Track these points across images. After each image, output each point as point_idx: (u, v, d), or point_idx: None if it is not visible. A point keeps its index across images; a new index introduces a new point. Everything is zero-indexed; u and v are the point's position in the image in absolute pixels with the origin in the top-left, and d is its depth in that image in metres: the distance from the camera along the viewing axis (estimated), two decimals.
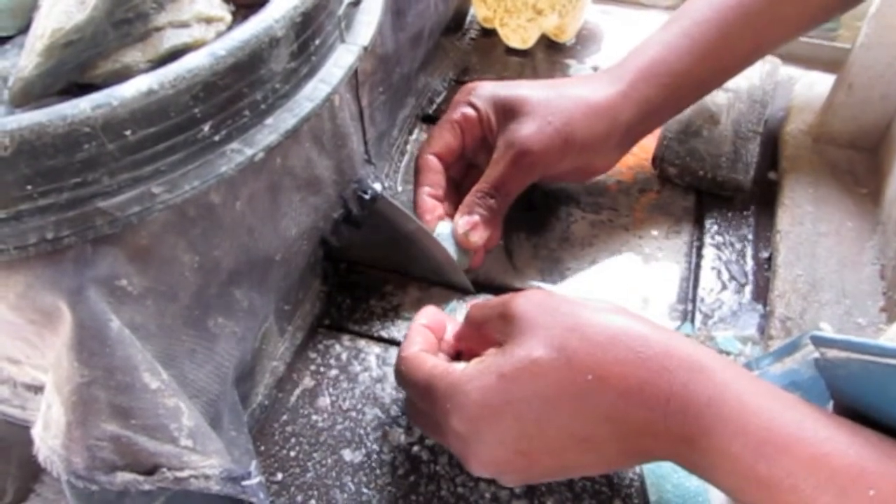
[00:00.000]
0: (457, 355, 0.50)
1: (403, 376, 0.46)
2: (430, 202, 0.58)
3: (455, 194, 0.61)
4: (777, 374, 0.42)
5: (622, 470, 0.50)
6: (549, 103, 0.56)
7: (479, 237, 0.56)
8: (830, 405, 0.39)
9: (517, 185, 0.57)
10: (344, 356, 0.56)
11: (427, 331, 0.49)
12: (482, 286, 0.60)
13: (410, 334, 0.49)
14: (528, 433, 0.40)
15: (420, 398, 0.45)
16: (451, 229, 0.57)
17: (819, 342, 0.36)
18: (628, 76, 0.58)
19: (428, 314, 0.50)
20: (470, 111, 0.59)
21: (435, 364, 0.44)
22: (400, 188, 0.68)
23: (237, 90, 0.35)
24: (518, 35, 0.79)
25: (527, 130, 0.56)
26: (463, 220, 0.56)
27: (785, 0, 0.59)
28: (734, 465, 0.36)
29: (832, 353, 0.36)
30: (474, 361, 0.42)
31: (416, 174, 0.60)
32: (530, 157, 0.56)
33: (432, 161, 0.59)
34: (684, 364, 0.38)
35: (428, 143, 0.60)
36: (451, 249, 0.57)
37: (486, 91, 0.59)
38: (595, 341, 0.39)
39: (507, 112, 0.57)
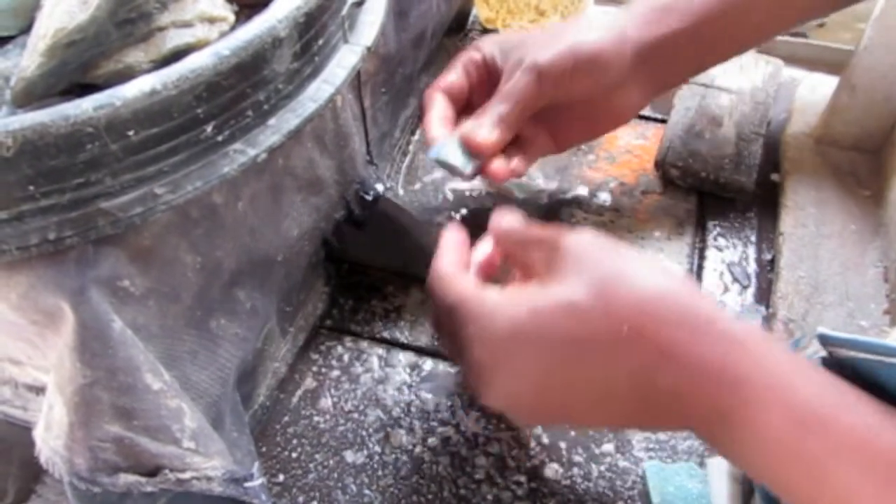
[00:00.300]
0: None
1: (435, 292, 0.44)
2: (439, 125, 0.56)
3: None
4: None
5: (630, 430, 0.48)
6: (552, 31, 0.56)
7: (485, 134, 0.53)
8: None
9: (528, 97, 0.54)
10: (346, 357, 0.56)
11: (460, 243, 0.47)
12: None
13: (445, 245, 0.47)
14: (549, 373, 0.38)
15: (448, 317, 0.43)
16: (456, 142, 0.54)
17: (826, 341, 0.36)
18: (633, 6, 0.57)
19: (456, 231, 0.48)
20: (474, 53, 0.58)
21: (468, 285, 0.42)
22: (402, 189, 0.68)
23: (240, 90, 0.35)
24: None
25: (534, 48, 0.54)
26: (470, 122, 0.54)
27: None
28: (771, 440, 0.34)
29: (839, 353, 0.36)
30: (509, 290, 0.41)
31: (423, 109, 0.57)
32: (538, 67, 0.53)
33: (438, 95, 0.57)
34: (727, 335, 0.36)
35: (432, 83, 0.58)
36: (459, 159, 0.54)
37: (489, 39, 0.58)
38: (639, 294, 0.37)
39: (513, 48, 0.56)
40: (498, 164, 0.55)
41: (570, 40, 0.54)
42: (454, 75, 0.57)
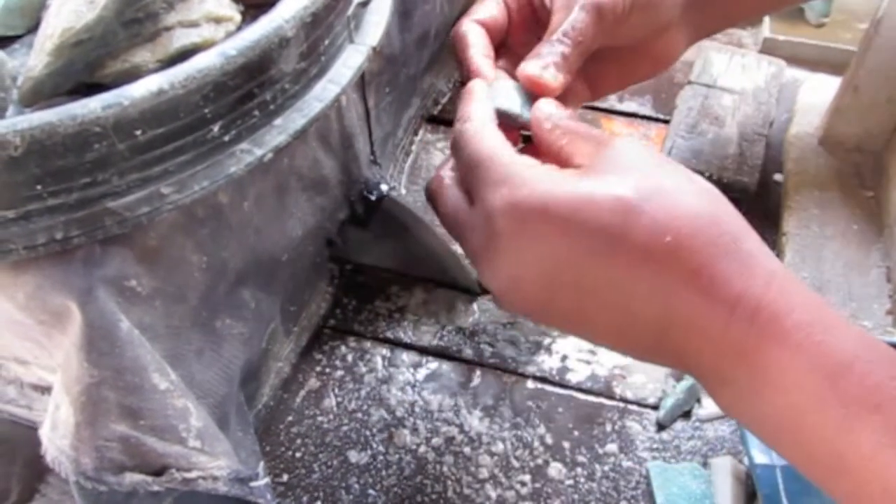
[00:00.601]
0: None
1: (462, 142, 0.39)
2: (485, 61, 0.47)
3: None
4: None
5: (636, 358, 0.45)
6: None
7: (551, 76, 0.44)
8: None
9: (587, 37, 0.47)
10: (349, 357, 0.56)
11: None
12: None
13: (474, 98, 0.42)
14: (561, 267, 0.35)
15: (468, 171, 0.39)
16: (510, 84, 0.45)
17: None
18: None
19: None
20: None
21: (504, 146, 0.38)
22: (405, 189, 0.68)
23: (247, 90, 0.35)
24: None
25: None
26: (532, 61, 0.45)
27: None
28: (795, 387, 0.32)
29: None
30: (547, 166, 0.37)
31: (456, 43, 0.49)
32: (598, 4, 0.46)
33: (475, 27, 0.49)
34: (769, 273, 0.33)
35: (468, 13, 0.50)
36: (516, 104, 0.44)
37: None
38: (689, 206, 0.33)
39: None
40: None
41: None
42: (493, 5, 0.50)
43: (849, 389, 0.31)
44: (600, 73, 0.51)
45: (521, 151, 0.38)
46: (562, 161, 0.38)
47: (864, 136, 0.66)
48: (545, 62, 0.44)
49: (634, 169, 0.34)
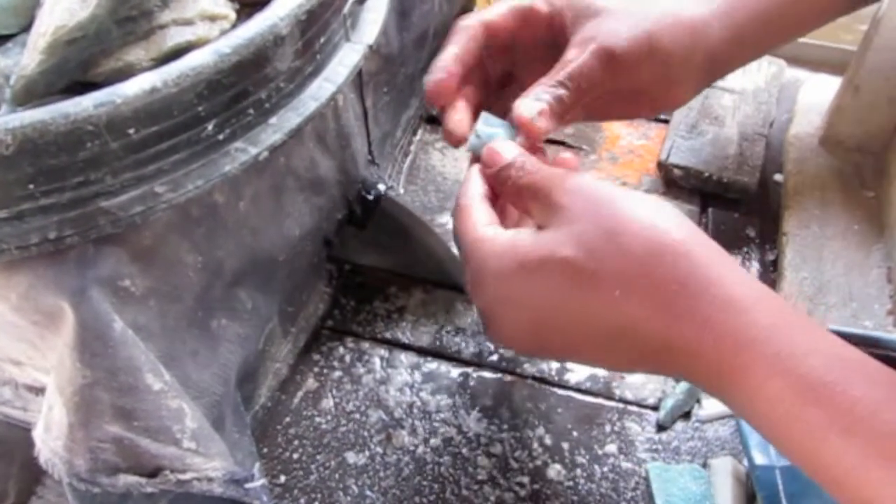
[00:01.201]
0: None
1: (454, 228, 0.43)
2: (453, 65, 0.48)
3: (484, 97, 0.52)
4: None
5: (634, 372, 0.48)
6: (634, 8, 0.50)
7: (545, 123, 0.46)
8: None
9: (593, 82, 0.48)
10: (347, 358, 0.56)
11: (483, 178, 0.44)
12: None
13: (470, 178, 0.44)
14: (543, 323, 0.39)
15: (461, 255, 0.43)
16: (498, 120, 0.47)
17: (837, 335, 0.36)
18: (716, 2, 0.52)
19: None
20: (541, 4, 0.51)
21: (476, 221, 0.41)
22: (403, 189, 0.67)
23: (241, 89, 0.34)
24: None
25: (610, 27, 0.48)
26: (529, 101, 0.46)
27: None
28: (769, 407, 0.33)
29: None
30: (507, 235, 0.40)
31: (449, 35, 0.50)
32: (612, 53, 0.48)
33: (473, 25, 0.49)
34: (732, 299, 0.35)
35: (475, 13, 0.51)
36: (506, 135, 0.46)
37: None
38: (631, 255, 0.35)
39: (586, 12, 0.50)
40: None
41: (650, 27, 0.49)
42: (507, 13, 0.50)
43: (818, 415, 0.32)
44: (599, 104, 0.51)
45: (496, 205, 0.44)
46: (523, 210, 0.42)
47: (864, 137, 0.66)
48: (540, 107, 0.46)
49: (575, 223, 0.37)
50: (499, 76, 0.53)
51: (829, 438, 0.32)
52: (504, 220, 0.44)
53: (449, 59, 0.48)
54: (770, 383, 0.33)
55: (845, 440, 0.31)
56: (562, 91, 0.47)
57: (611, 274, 0.36)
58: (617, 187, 0.39)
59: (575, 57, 0.48)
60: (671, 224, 0.37)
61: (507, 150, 0.43)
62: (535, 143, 0.47)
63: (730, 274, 0.36)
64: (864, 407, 0.31)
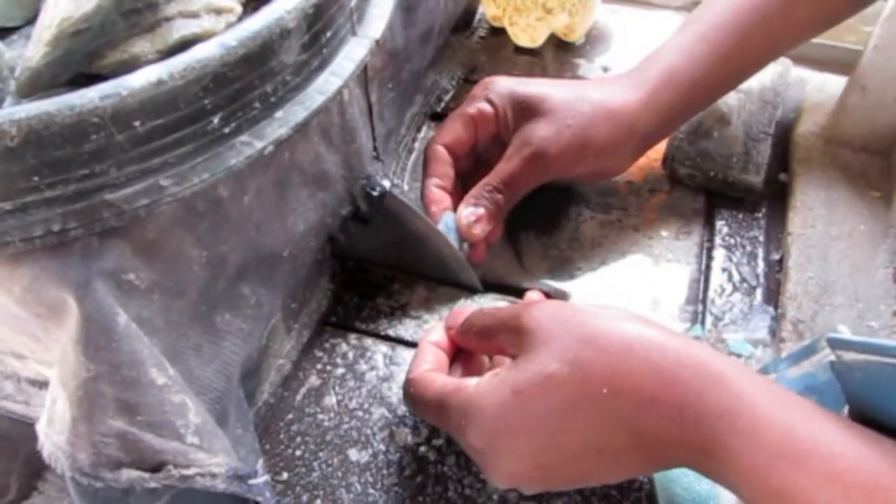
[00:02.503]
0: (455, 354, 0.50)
1: (413, 398, 0.46)
2: (438, 193, 0.57)
3: (462, 188, 0.60)
4: (794, 377, 0.42)
5: (641, 475, 0.49)
6: (568, 105, 0.56)
7: (481, 229, 0.56)
8: (846, 410, 0.38)
9: (527, 184, 0.57)
10: (350, 355, 0.56)
11: (436, 349, 0.48)
12: (491, 286, 0.59)
13: (419, 353, 0.48)
14: (544, 447, 0.40)
15: (433, 417, 0.45)
16: (454, 219, 0.57)
17: (836, 344, 0.36)
18: (648, 84, 0.58)
19: (436, 331, 0.50)
20: (486, 107, 0.58)
21: (445, 382, 0.44)
22: (407, 186, 0.67)
23: (247, 82, 0.34)
24: (527, 34, 0.78)
25: (544, 132, 0.55)
26: (468, 211, 0.56)
27: (799, 2, 0.58)
28: (747, 476, 0.35)
29: (849, 356, 0.35)
30: (487, 376, 0.42)
31: (426, 164, 0.59)
32: (545, 158, 0.55)
33: (442, 152, 0.58)
34: (699, 374, 0.37)
35: (439, 133, 0.59)
36: (453, 239, 0.56)
37: (504, 87, 0.58)
38: (609, 352, 0.38)
39: (526, 110, 0.56)
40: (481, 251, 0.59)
41: (583, 127, 0.56)
42: (461, 129, 0.58)
43: (800, 472, 0.34)
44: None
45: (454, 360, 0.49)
46: (499, 350, 0.45)
47: (871, 136, 0.66)
48: (477, 214, 0.56)
49: (551, 341, 0.40)
50: (468, 167, 0.61)
51: (819, 498, 0.33)
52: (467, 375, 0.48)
53: (434, 192, 0.57)
54: (749, 451, 0.35)
55: (831, 497, 0.33)
56: (498, 196, 0.56)
57: (595, 375, 0.38)
58: (571, 304, 0.44)
59: (511, 159, 0.56)
60: (637, 320, 0.40)
61: (468, 310, 0.49)
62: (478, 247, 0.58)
63: (697, 348, 0.39)
64: (843, 470, 0.33)
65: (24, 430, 0.45)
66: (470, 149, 0.59)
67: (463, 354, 0.50)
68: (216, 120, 0.34)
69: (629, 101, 0.57)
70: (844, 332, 0.43)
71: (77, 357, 0.33)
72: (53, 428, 0.34)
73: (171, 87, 0.31)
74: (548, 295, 0.58)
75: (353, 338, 0.57)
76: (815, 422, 0.35)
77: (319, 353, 0.56)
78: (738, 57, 0.59)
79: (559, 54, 0.81)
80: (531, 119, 0.56)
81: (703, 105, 0.63)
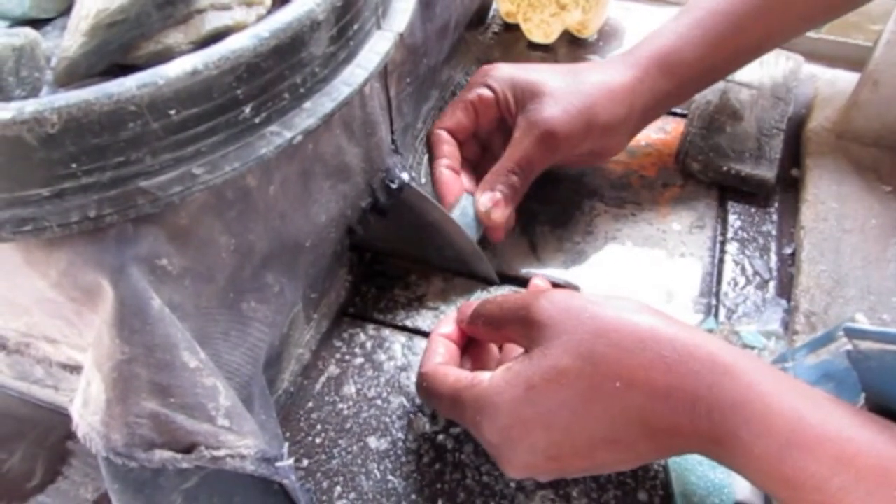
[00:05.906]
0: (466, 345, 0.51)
1: (427, 391, 0.47)
2: (448, 174, 0.59)
3: (473, 173, 0.61)
4: (811, 365, 0.42)
5: (654, 462, 0.50)
6: (569, 87, 0.57)
7: (500, 214, 0.57)
8: (862, 398, 0.39)
9: (540, 164, 0.58)
10: (369, 345, 0.56)
11: (447, 341, 0.49)
12: (506, 277, 0.60)
13: (430, 347, 0.49)
14: (558, 440, 0.40)
15: (447, 411, 0.46)
16: (472, 202, 0.58)
17: (853, 334, 0.36)
18: (643, 63, 0.59)
19: (447, 323, 0.50)
20: (486, 92, 0.59)
21: (458, 377, 0.45)
22: (424, 179, 0.68)
23: (278, 73, 0.35)
24: (541, 30, 0.79)
25: (551, 111, 0.56)
26: (486, 197, 0.57)
27: None
28: (760, 465, 0.36)
29: (866, 345, 0.36)
30: (500, 370, 0.42)
31: (430, 148, 0.60)
32: (555, 137, 0.56)
33: (444, 134, 0.60)
34: (710, 366, 0.38)
35: (440, 119, 0.60)
36: (470, 223, 0.58)
37: (503, 73, 0.59)
38: (622, 346, 0.39)
39: (527, 93, 0.57)
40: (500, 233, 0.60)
41: (587, 105, 0.57)
42: (461, 113, 0.60)
43: (811, 459, 0.34)
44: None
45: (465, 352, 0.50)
46: (505, 339, 0.48)
47: (883, 131, 0.66)
48: (495, 198, 0.57)
49: (563, 334, 0.40)
50: (475, 156, 0.63)
51: (833, 483, 0.34)
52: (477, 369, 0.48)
53: (444, 173, 0.59)
54: (761, 441, 0.36)
55: (836, 490, 0.34)
56: (514, 178, 0.57)
57: (608, 369, 0.39)
58: (580, 294, 0.43)
59: (521, 141, 0.57)
60: (647, 312, 0.41)
61: (477, 303, 0.49)
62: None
63: (708, 339, 0.39)
64: (854, 454, 0.34)
65: (51, 417, 0.46)
66: (471, 134, 0.61)
67: (473, 344, 0.51)
68: (248, 110, 0.34)
69: (626, 80, 0.58)
70: (862, 322, 0.43)
71: (112, 340, 0.33)
72: (88, 409, 0.35)
73: (206, 76, 0.32)
74: (554, 284, 0.58)
75: (371, 328, 0.57)
76: (824, 409, 0.36)
77: (338, 343, 0.57)
78: (732, 44, 0.60)
79: (572, 50, 0.81)
80: (535, 101, 0.57)
81: (697, 88, 0.64)
